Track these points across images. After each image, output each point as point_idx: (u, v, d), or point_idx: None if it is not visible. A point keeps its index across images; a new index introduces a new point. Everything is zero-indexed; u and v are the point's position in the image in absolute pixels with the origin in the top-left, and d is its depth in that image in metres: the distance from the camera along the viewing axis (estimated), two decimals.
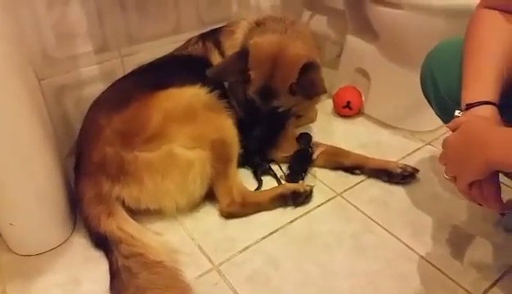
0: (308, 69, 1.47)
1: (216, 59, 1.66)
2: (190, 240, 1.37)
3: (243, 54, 1.48)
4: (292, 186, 1.50)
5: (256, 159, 1.61)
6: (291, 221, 1.43)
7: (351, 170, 1.62)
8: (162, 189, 1.35)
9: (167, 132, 1.36)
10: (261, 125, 1.54)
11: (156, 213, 1.40)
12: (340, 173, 1.63)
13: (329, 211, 1.48)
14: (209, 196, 1.46)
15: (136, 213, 1.37)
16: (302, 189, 1.48)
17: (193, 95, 1.45)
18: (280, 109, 1.54)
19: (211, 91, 1.48)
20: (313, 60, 1.50)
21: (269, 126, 1.57)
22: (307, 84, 1.48)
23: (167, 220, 1.42)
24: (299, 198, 1.48)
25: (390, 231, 1.38)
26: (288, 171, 1.60)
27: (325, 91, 1.53)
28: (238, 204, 1.43)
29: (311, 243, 1.36)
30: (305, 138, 1.68)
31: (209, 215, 1.46)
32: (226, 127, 1.46)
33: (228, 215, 1.44)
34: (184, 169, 1.36)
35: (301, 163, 1.60)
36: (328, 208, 1.49)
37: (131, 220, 1.34)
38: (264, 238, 1.37)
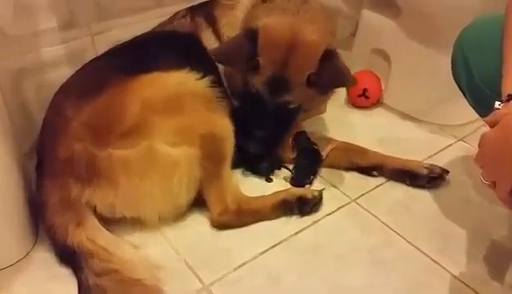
0: (330, 56, 1.47)
1: (208, 38, 1.65)
2: (175, 254, 1.36)
3: (251, 36, 1.47)
4: (298, 191, 1.50)
5: (258, 163, 1.60)
6: (296, 232, 1.42)
7: (368, 171, 1.62)
8: (141, 193, 1.35)
9: (147, 125, 1.35)
10: (265, 124, 1.54)
11: (134, 222, 1.39)
12: (355, 175, 1.63)
13: (341, 220, 1.47)
14: (198, 202, 1.45)
15: (110, 222, 1.36)
16: (309, 195, 1.47)
17: (179, 81, 1.45)
18: (292, 105, 1.53)
19: (202, 77, 1.47)
20: (333, 47, 1.50)
21: (275, 126, 1.56)
22: (332, 74, 1.47)
23: (147, 230, 1.41)
24: (306, 206, 1.47)
25: (414, 244, 1.38)
26: (292, 174, 1.59)
27: (354, 83, 1.53)
28: (232, 212, 1.43)
29: (320, 259, 1.35)
30: (301, 136, 1.64)
31: (198, 224, 1.45)
32: (219, 120, 1.45)
33: (221, 225, 1.43)
34: (167, 170, 1.36)
35: (308, 164, 1.60)
36: (340, 217, 1.48)
37: (104, 231, 1.33)
38: (264, 252, 1.36)
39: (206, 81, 1.47)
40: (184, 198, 1.41)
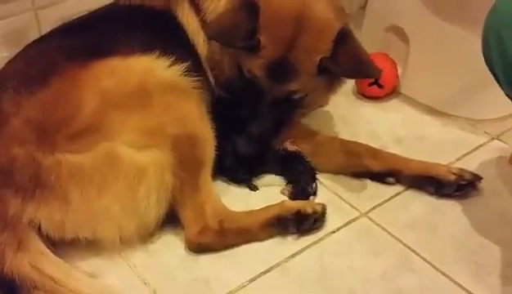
0: (346, 38, 1.47)
1: (186, 15, 1.65)
2: (142, 284, 1.35)
3: (250, 9, 1.46)
4: (295, 205, 1.48)
5: (242, 171, 1.60)
6: (294, 254, 1.41)
7: (381, 177, 1.61)
8: (98, 208, 1.33)
9: (106, 124, 1.34)
10: (262, 118, 1.54)
11: (90, 245, 1.37)
12: (366, 183, 1.62)
13: (349, 238, 1.46)
14: (171, 220, 1.45)
15: (59, 245, 1.35)
16: (309, 209, 1.46)
17: (147, 69, 1.44)
18: (297, 96, 1.54)
19: (174, 63, 1.46)
20: (348, 27, 1.51)
21: (273, 121, 1.56)
22: (350, 61, 1.47)
23: (106, 255, 1.39)
24: (306, 223, 1.45)
25: (439, 268, 1.37)
26: (289, 183, 1.58)
27: (378, 74, 1.54)
28: (214, 232, 1.42)
29: (323, 287, 1.34)
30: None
31: (171, 247, 1.44)
32: (196, 117, 1.45)
33: (199, 247, 1.42)
34: (132, 179, 1.35)
35: (304, 169, 1.59)
36: (348, 235, 1.47)
37: (51, 256, 1.31)
38: (253, 279, 1.36)
39: (180, 68, 1.46)
40: (152, 215, 1.39)
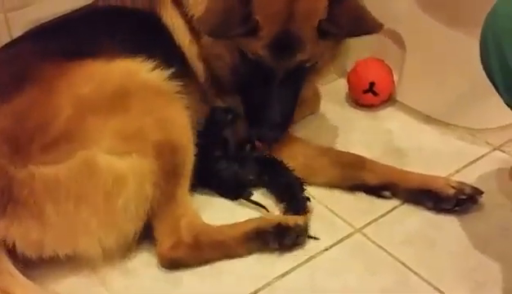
0: None
1: (170, 16, 1.66)
2: None
3: None
4: (275, 217, 1.50)
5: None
6: (285, 273, 1.41)
7: (377, 191, 1.62)
8: (77, 222, 1.33)
9: (82, 130, 1.35)
10: (278, 98, 1.56)
11: (68, 262, 1.36)
12: (360, 197, 1.63)
13: (343, 256, 1.46)
14: (151, 237, 1.45)
15: (35, 264, 1.34)
16: (291, 223, 1.46)
17: (127, 71, 1.44)
18: (307, 65, 1.57)
19: (158, 67, 1.47)
20: None
21: (289, 98, 1.59)
22: (348, 18, 1.51)
23: (82, 274, 1.39)
24: (287, 237, 1.46)
25: (438, 287, 1.37)
26: (280, 199, 1.59)
27: (379, 28, 1.55)
28: (187, 246, 1.42)
29: None
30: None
31: (152, 268, 1.43)
32: (179, 124, 1.46)
33: (172, 263, 1.42)
34: (111, 188, 1.34)
35: (294, 181, 1.60)
36: (341, 252, 1.47)
37: (22, 278, 1.30)
38: None
39: (163, 72, 1.47)
40: (131, 229, 1.39)
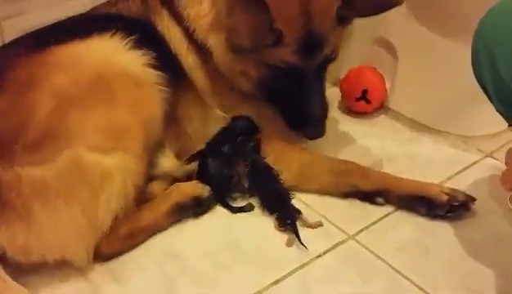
0: None
1: (166, 25, 1.66)
2: None
3: (258, 6, 1.47)
4: (191, 190, 1.57)
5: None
6: (276, 281, 1.41)
7: (371, 197, 1.62)
8: (66, 225, 1.33)
9: (65, 127, 1.34)
10: (316, 93, 1.61)
11: (58, 269, 1.36)
12: (353, 203, 1.62)
13: (336, 263, 1.46)
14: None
15: (26, 271, 1.33)
16: (205, 193, 1.57)
17: (105, 56, 1.45)
18: (333, 54, 1.63)
19: (137, 47, 1.49)
20: None
21: (322, 89, 1.65)
22: None
23: (76, 280, 1.38)
24: (202, 207, 1.57)
25: None
26: (272, 205, 1.59)
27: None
28: (123, 238, 1.45)
29: None
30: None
31: (145, 274, 1.42)
32: (158, 121, 1.50)
33: (109, 256, 1.44)
34: (96, 184, 1.35)
35: (281, 189, 1.60)
36: (335, 259, 1.47)
37: (13, 283, 1.29)
38: None
39: (139, 53, 1.50)
40: (106, 227, 1.39)
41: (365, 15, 1.61)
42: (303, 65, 1.57)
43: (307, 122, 1.63)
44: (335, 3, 1.54)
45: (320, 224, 1.55)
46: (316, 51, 1.56)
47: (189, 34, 1.66)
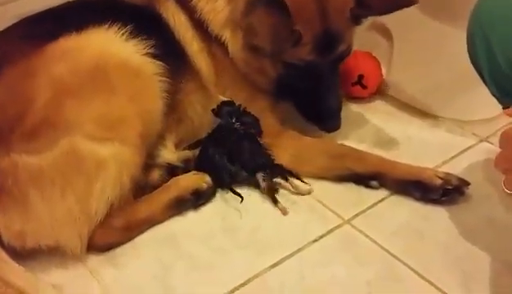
0: None
1: (172, 13, 1.66)
2: None
3: (278, 8, 1.48)
4: (190, 183, 1.55)
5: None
6: (273, 265, 1.41)
7: (365, 181, 1.62)
8: (60, 212, 1.32)
9: (63, 116, 1.34)
10: (332, 87, 1.65)
11: (51, 254, 1.37)
12: (349, 187, 1.63)
13: (331, 247, 1.46)
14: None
15: (22, 255, 1.33)
16: (204, 185, 1.55)
17: (105, 46, 1.44)
18: (348, 51, 1.67)
19: (138, 36, 1.48)
20: None
21: (337, 83, 1.69)
22: None
23: (71, 266, 1.39)
24: (202, 199, 1.56)
25: (426, 277, 1.37)
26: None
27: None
28: (119, 230, 1.44)
29: None
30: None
31: (142, 260, 1.43)
32: (157, 113, 1.49)
33: (105, 248, 1.44)
34: (91, 173, 1.34)
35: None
36: (330, 243, 1.47)
37: (15, 265, 1.30)
38: (231, 292, 1.34)
39: (141, 45, 1.48)
40: (100, 216, 1.39)
41: (380, 14, 1.67)
42: (319, 62, 1.60)
43: (324, 116, 1.67)
44: (350, 3, 1.58)
45: (310, 192, 1.59)
46: (332, 48, 1.61)
47: (196, 23, 1.67)
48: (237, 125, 1.64)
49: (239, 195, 1.58)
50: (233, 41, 1.65)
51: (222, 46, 1.68)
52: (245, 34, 1.58)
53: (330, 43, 1.60)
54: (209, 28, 1.66)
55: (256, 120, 1.68)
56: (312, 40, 1.57)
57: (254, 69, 1.68)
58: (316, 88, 1.64)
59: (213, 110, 1.67)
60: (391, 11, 1.60)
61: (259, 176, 1.58)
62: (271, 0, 1.48)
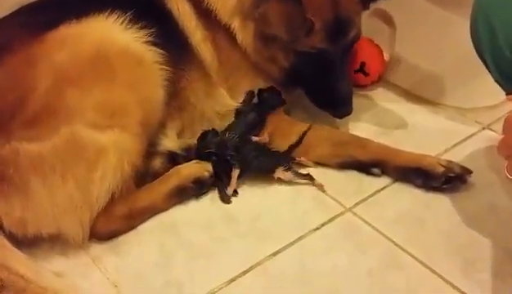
0: None
1: (175, 1, 1.66)
2: (112, 287, 1.34)
3: None
4: (191, 172, 1.55)
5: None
6: (275, 253, 1.41)
7: (367, 168, 1.62)
8: (61, 199, 1.33)
9: (64, 104, 1.34)
10: (344, 73, 1.67)
11: (53, 242, 1.38)
12: (351, 175, 1.63)
13: (333, 235, 1.46)
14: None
15: (24, 243, 1.34)
16: (206, 174, 1.55)
17: (106, 33, 1.43)
18: (357, 36, 1.68)
19: (140, 24, 1.47)
20: None
21: (347, 70, 1.71)
22: None
23: (72, 254, 1.40)
24: (204, 187, 1.55)
25: (428, 265, 1.37)
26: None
27: None
28: (121, 218, 1.44)
29: (305, 287, 1.33)
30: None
31: (143, 248, 1.44)
32: (157, 102, 1.49)
33: (108, 235, 1.44)
34: (91, 160, 1.34)
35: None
36: (332, 231, 1.47)
37: (18, 252, 1.30)
38: (231, 281, 1.35)
39: (147, 32, 1.48)
40: (101, 203, 1.39)
41: None
42: (331, 49, 1.61)
43: (336, 102, 1.68)
44: None
45: (310, 179, 1.59)
46: (343, 35, 1.62)
47: (201, 12, 1.67)
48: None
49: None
50: (243, 31, 1.65)
51: (230, 34, 1.67)
52: (258, 24, 1.59)
53: (342, 29, 1.61)
54: (218, 17, 1.66)
55: (275, 94, 1.71)
56: (324, 27, 1.58)
57: (266, 59, 1.68)
58: (328, 75, 1.65)
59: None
60: None
61: (279, 172, 1.58)
62: None
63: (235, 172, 1.56)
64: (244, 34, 1.66)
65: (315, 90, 1.71)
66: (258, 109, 1.69)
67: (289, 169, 1.58)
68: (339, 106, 1.69)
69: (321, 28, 1.58)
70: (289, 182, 1.60)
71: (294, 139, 1.66)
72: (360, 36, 1.71)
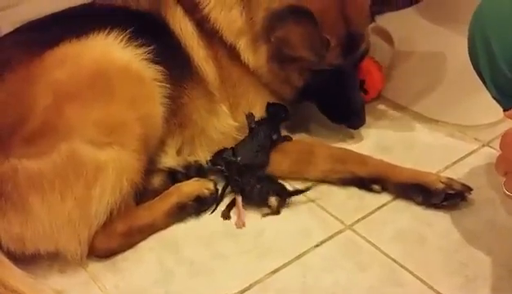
0: None
1: (178, 19, 1.66)
2: None
3: (307, 18, 1.51)
4: (192, 189, 1.54)
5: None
6: (274, 271, 1.40)
7: (368, 185, 1.62)
8: (60, 217, 1.32)
9: (63, 120, 1.34)
10: (353, 88, 1.71)
11: (52, 260, 1.38)
12: (350, 192, 1.62)
13: (333, 252, 1.46)
14: None
15: (22, 260, 1.34)
16: (207, 192, 1.54)
17: (106, 51, 1.44)
18: (367, 49, 1.71)
19: (140, 42, 1.47)
20: None
21: (357, 82, 1.75)
22: None
23: (71, 272, 1.39)
24: (205, 205, 1.55)
25: (428, 282, 1.36)
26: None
27: None
28: (120, 236, 1.43)
29: None
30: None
31: (143, 265, 1.43)
32: (157, 119, 1.49)
33: (106, 253, 1.43)
34: (90, 177, 1.34)
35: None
36: (331, 249, 1.47)
37: (15, 269, 1.30)
38: None
39: (148, 50, 1.48)
40: (100, 221, 1.39)
41: (397, 9, 1.71)
42: (345, 64, 1.64)
43: (350, 114, 1.71)
44: (367, 2, 1.62)
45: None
46: (356, 48, 1.65)
47: (204, 31, 1.67)
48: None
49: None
50: (254, 53, 1.66)
51: (234, 54, 1.68)
52: (277, 47, 1.60)
53: (354, 44, 1.64)
54: (223, 37, 1.67)
55: (282, 107, 1.73)
56: (339, 43, 1.60)
57: (280, 80, 1.70)
58: (342, 89, 1.68)
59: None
60: (410, 5, 1.64)
61: (272, 200, 1.56)
62: (298, 10, 1.50)
63: (239, 200, 1.56)
64: (255, 56, 1.66)
65: (329, 104, 1.74)
66: (267, 124, 1.69)
67: (283, 200, 1.57)
68: (354, 118, 1.72)
69: (336, 44, 1.60)
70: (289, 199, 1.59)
71: (294, 157, 1.66)
72: (369, 47, 1.73)
